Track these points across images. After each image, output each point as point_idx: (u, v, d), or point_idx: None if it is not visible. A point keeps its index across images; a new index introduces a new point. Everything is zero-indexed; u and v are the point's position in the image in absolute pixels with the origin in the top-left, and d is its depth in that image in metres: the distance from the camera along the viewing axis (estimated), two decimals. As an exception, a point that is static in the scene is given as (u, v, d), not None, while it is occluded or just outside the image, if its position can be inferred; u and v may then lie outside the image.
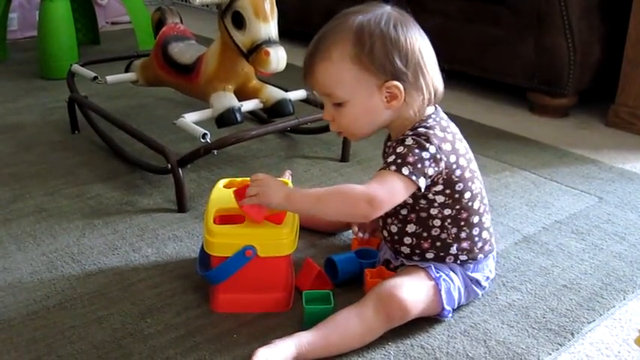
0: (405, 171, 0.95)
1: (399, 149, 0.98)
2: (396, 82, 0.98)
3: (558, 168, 1.67)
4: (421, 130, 1.00)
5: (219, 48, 1.53)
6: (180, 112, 1.50)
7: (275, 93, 1.60)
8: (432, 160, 0.97)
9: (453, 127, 1.05)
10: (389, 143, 1.08)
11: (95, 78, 1.79)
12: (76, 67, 1.91)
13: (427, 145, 0.97)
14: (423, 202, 1.03)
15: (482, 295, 1.10)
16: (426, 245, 1.05)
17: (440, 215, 1.03)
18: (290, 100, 1.60)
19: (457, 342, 1.00)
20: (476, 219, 1.05)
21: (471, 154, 1.06)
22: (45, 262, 1.22)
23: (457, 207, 1.03)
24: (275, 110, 1.59)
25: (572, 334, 1.02)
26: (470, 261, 1.07)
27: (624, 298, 1.12)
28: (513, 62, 2.09)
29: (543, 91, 2.06)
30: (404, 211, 1.05)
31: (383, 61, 0.97)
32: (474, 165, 1.06)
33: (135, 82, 1.86)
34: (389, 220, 1.07)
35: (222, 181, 1.20)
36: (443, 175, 1.00)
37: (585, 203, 1.47)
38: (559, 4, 1.89)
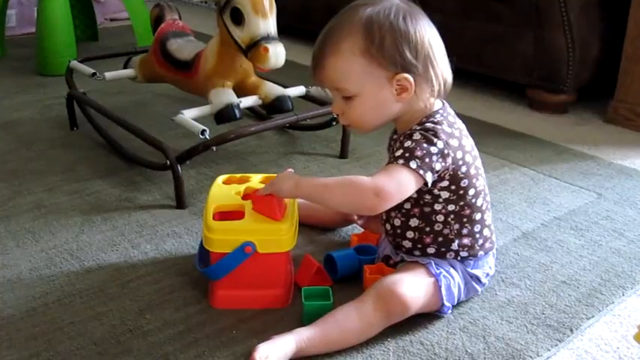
0: (413, 165, 0.95)
1: (407, 143, 0.97)
2: (406, 75, 0.97)
3: (557, 164, 1.67)
4: (429, 125, 0.99)
5: (217, 44, 1.52)
6: (178, 109, 1.50)
7: (274, 89, 1.60)
8: (439, 155, 0.97)
9: (460, 124, 1.05)
10: (395, 137, 1.08)
11: (94, 74, 1.79)
12: (75, 64, 1.91)
13: (435, 140, 0.97)
14: (427, 197, 1.03)
15: (481, 291, 1.10)
16: (428, 240, 1.05)
17: (444, 211, 1.03)
18: (289, 96, 1.60)
19: (456, 338, 1.00)
20: (478, 216, 1.06)
21: (476, 152, 1.06)
22: (44, 259, 1.22)
23: (461, 203, 1.03)
24: (274, 106, 1.59)
25: (571, 330, 1.02)
26: (470, 258, 1.07)
27: (623, 294, 1.12)
28: (512, 59, 2.09)
29: (542, 88, 2.06)
30: (407, 205, 1.05)
31: (393, 54, 0.96)
32: (478, 162, 1.06)
33: (133, 78, 1.85)
34: (392, 214, 1.07)
35: (221, 177, 1.20)
36: (449, 170, 0.99)
37: (584, 199, 1.47)
38: (558, 0, 1.89)
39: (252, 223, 1.04)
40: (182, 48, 1.66)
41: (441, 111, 1.03)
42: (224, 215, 1.08)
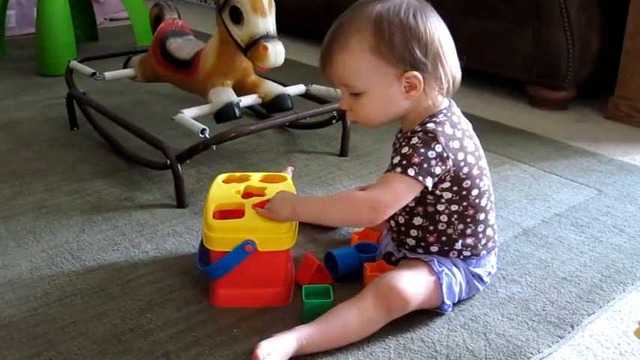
0: (411, 172, 0.95)
1: (404, 150, 0.97)
2: (415, 73, 0.97)
3: (557, 161, 1.67)
4: (430, 126, 0.99)
5: (217, 43, 1.52)
6: (178, 108, 1.50)
7: (274, 88, 1.60)
8: (438, 159, 0.96)
9: (464, 124, 1.04)
10: (399, 135, 1.08)
11: (93, 74, 1.79)
12: (75, 64, 1.91)
13: (433, 143, 0.96)
14: (430, 197, 1.02)
15: (482, 289, 1.10)
16: (431, 239, 1.05)
17: (447, 211, 1.03)
18: (289, 95, 1.60)
19: (457, 335, 1.00)
20: (482, 216, 1.05)
21: (480, 151, 1.05)
22: (44, 259, 1.22)
23: (464, 204, 1.03)
24: (274, 105, 1.59)
25: (572, 326, 1.02)
26: (473, 257, 1.06)
27: (624, 290, 1.12)
28: (512, 55, 2.09)
29: (542, 84, 2.06)
30: (412, 204, 1.04)
31: (402, 51, 0.96)
32: (483, 162, 1.05)
33: (133, 78, 1.86)
34: (397, 212, 1.07)
35: (221, 176, 1.20)
36: (450, 172, 0.99)
37: (585, 196, 1.47)
38: (558, -4, 1.89)
39: (253, 221, 1.04)
40: (181, 47, 1.66)
41: (445, 110, 1.03)
42: (224, 214, 1.09)
